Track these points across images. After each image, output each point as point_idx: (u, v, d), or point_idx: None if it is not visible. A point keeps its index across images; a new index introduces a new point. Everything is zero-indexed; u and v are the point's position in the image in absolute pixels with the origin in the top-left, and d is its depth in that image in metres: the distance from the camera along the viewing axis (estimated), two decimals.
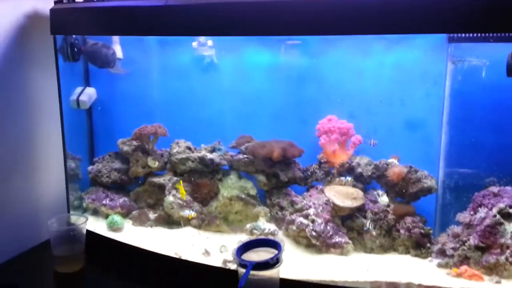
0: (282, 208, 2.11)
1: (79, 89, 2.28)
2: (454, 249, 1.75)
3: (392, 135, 2.06)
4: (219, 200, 2.14)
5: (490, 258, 1.66)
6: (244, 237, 1.91)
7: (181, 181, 2.12)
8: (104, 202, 2.19)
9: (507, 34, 1.66)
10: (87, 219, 1.89)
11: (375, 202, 2.00)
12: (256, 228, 1.98)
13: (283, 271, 1.54)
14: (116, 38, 2.28)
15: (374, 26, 1.46)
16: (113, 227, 2.07)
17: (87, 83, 2.39)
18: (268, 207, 2.15)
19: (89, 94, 2.28)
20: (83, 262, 1.88)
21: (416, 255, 1.87)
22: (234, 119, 2.33)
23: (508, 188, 1.81)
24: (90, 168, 2.31)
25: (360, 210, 1.98)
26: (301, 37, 2.07)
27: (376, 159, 2.07)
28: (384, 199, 1.99)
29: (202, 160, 2.18)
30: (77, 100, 2.23)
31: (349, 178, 2.02)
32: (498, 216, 1.69)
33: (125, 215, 2.19)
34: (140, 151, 2.25)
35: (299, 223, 1.94)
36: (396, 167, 1.97)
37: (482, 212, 1.75)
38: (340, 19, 1.48)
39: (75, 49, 2.18)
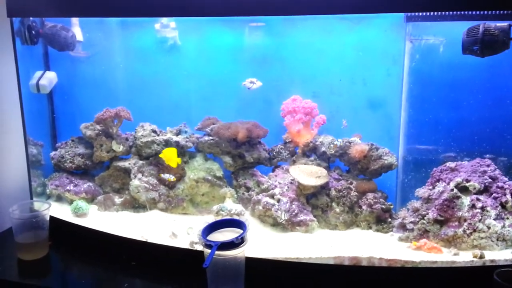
0: (248, 189, 2.12)
1: (38, 73, 2.22)
2: (414, 223, 1.80)
3: (355, 114, 2.09)
4: (185, 183, 2.14)
5: (449, 231, 1.71)
6: (211, 219, 1.93)
7: (174, 149, 2.06)
8: (68, 187, 2.15)
9: (462, 12, 1.70)
10: (50, 206, 1.86)
11: (338, 180, 2.04)
12: (223, 209, 1.98)
13: (250, 250, 1.55)
14: (75, 20, 2.22)
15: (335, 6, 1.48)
16: (78, 212, 2.05)
17: (47, 67, 2.33)
18: (234, 188, 2.16)
19: (49, 78, 2.22)
20: (47, 248, 1.86)
21: (378, 230, 1.92)
22: (199, 101, 2.32)
23: (464, 162, 1.87)
24: (52, 153, 2.26)
25: (324, 188, 2.02)
26: (265, 18, 2.07)
27: (339, 137, 2.10)
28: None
29: (167, 143, 2.16)
30: (37, 85, 2.17)
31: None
32: (455, 190, 1.75)
33: (90, 200, 2.17)
34: (104, 135, 2.22)
35: (265, 203, 1.96)
36: (358, 145, 2.01)
37: (440, 186, 1.80)
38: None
39: (33, 32, 2.12)
